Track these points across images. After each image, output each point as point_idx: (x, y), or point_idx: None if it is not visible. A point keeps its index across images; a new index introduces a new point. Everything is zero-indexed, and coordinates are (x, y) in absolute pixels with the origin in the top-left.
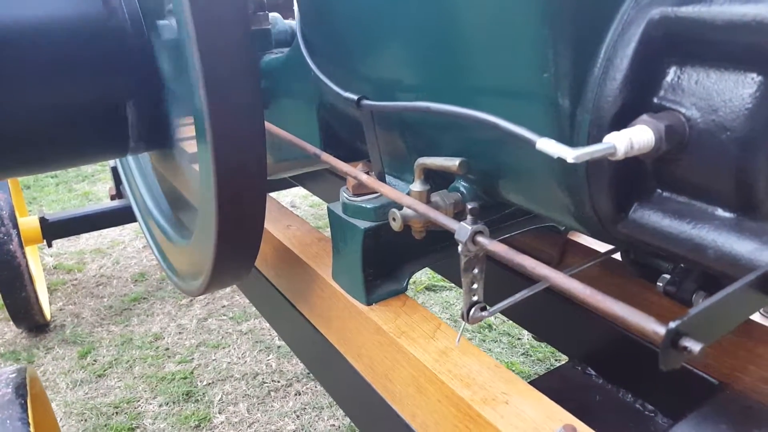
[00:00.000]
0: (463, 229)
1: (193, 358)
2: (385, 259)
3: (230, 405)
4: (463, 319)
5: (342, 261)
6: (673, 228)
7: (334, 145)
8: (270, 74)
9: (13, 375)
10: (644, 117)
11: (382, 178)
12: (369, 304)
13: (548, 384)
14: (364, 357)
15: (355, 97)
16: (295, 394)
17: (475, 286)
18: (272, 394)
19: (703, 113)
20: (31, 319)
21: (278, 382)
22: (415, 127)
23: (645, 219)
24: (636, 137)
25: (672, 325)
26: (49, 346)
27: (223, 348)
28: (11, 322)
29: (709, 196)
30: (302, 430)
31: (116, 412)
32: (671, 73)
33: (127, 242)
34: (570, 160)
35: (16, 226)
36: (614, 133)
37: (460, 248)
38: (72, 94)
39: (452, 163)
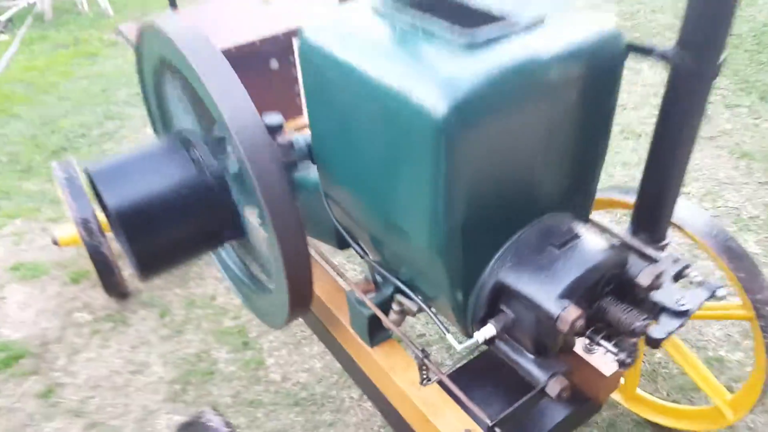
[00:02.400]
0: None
1: (242, 315)
2: (380, 326)
3: (275, 351)
4: (422, 384)
5: (355, 324)
6: (510, 356)
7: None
8: (301, 188)
9: None
10: (492, 320)
11: (376, 283)
12: (372, 346)
13: (477, 364)
14: (371, 372)
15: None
16: (318, 341)
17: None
18: (303, 341)
19: (518, 315)
20: (119, 289)
21: (306, 332)
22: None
23: (499, 349)
24: (486, 332)
25: (490, 423)
26: (133, 309)
27: None
28: (97, 289)
29: (527, 345)
30: (326, 368)
31: (198, 359)
32: (504, 298)
33: None
34: (458, 349)
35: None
36: (479, 331)
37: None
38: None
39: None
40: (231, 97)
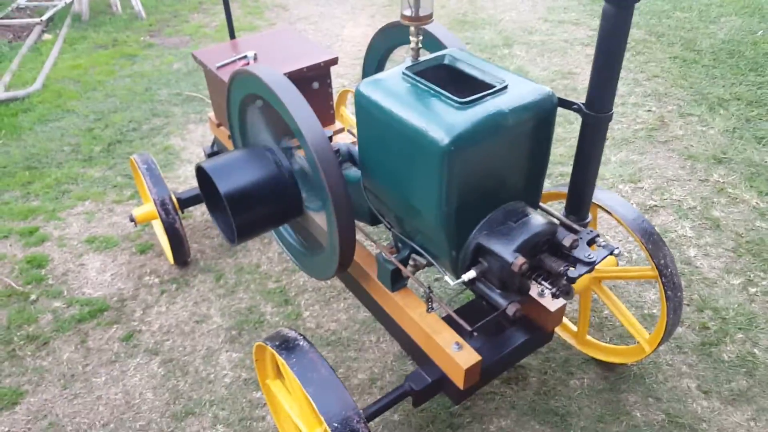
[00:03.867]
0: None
1: (282, 279)
2: (399, 276)
3: (310, 306)
4: (427, 311)
5: (381, 276)
6: (484, 291)
7: (374, 216)
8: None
9: None
10: (473, 268)
11: (397, 247)
12: (392, 291)
13: (467, 308)
14: (392, 311)
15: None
16: (344, 299)
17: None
18: (331, 299)
19: (489, 264)
20: (185, 257)
21: (333, 292)
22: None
23: (477, 287)
24: (470, 275)
25: (470, 329)
26: (193, 274)
27: (299, 272)
28: (161, 258)
29: (495, 284)
30: (350, 319)
31: (249, 312)
32: (481, 253)
33: None
34: (452, 284)
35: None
36: (465, 274)
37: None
38: (269, 200)
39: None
40: (308, 121)
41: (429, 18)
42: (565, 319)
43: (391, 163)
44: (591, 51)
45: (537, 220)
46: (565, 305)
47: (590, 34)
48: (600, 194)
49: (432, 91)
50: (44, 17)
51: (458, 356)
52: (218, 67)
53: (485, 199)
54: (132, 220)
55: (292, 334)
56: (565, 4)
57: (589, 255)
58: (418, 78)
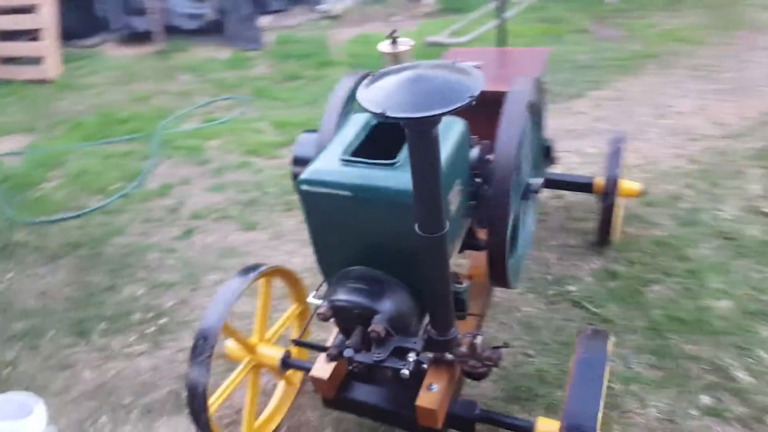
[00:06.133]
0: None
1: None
2: None
3: None
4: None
5: None
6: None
7: None
8: None
9: None
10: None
11: None
12: None
13: None
14: None
15: None
16: None
17: None
18: None
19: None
20: None
21: None
22: None
23: None
24: (325, 304)
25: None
26: None
27: None
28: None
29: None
30: None
31: None
32: None
33: None
34: (309, 300)
35: None
36: (321, 302)
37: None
38: None
39: None
40: None
41: None
42: None
43: None
44: None
45: (362, 294)
46: (436, 411)
47: None
48: None
49: (353, 139)
50: None
51: (319, 363)
52: None
53: (345, 250)
54: None
55: None
56: None
57: (377, 354)
58: (361, 124)
